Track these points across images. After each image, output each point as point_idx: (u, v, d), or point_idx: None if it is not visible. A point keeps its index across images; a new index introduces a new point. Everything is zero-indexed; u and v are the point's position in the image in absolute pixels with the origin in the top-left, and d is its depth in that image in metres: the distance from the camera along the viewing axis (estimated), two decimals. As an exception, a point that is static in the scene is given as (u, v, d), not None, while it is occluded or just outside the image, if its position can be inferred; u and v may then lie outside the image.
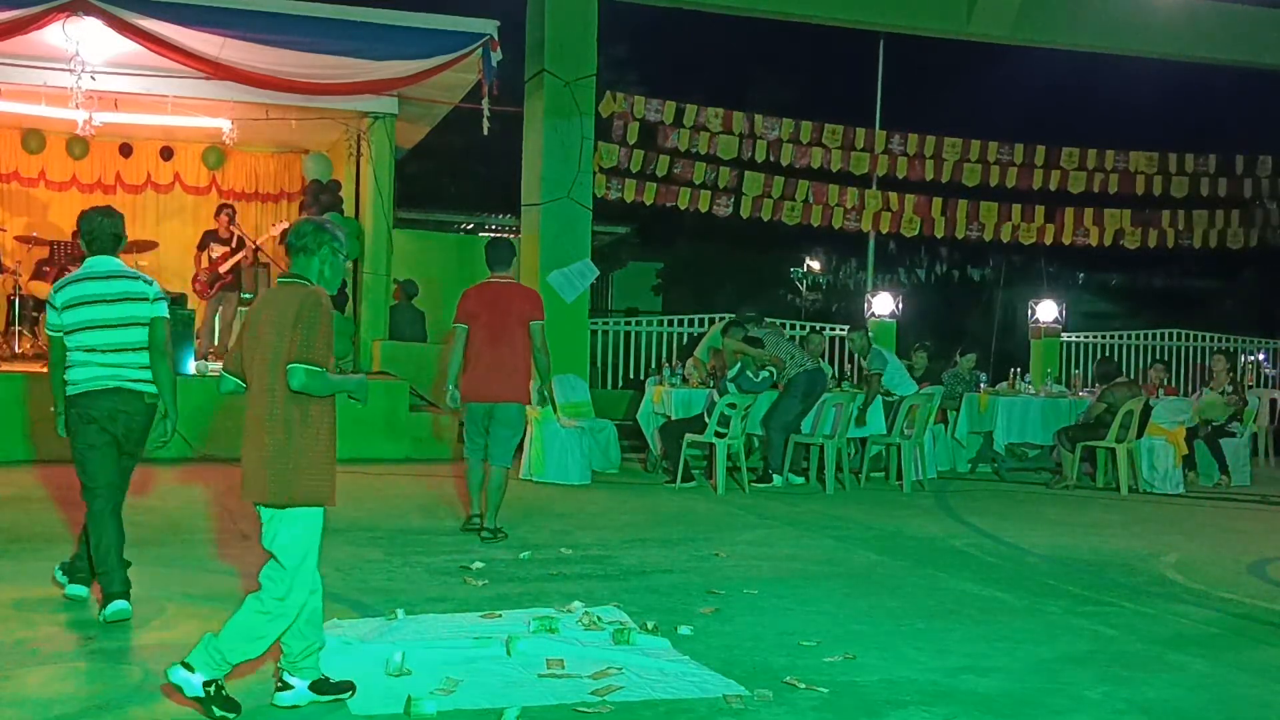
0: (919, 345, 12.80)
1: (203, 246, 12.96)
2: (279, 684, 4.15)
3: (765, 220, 15.11)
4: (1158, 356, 16.57)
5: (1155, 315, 23.36)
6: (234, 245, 12.86)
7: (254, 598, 4.03)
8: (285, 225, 13.19)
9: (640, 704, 4.23)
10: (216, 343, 13.09)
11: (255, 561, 6.47)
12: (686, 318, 15.37)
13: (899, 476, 10.72)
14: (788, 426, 10.53)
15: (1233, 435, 12.02)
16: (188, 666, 3.90)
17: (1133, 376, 13.83)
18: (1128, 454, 10.82)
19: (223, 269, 12.81)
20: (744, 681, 4.50)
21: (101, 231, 5.31)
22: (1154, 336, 17.06)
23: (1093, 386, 12.29)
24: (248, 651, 3.99)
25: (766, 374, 10.63)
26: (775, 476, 10.46)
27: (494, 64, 11.48)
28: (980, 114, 21.79)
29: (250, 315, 4.21)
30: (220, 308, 13.08)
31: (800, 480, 10.70)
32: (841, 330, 15.95)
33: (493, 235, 9.31)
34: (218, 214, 13.08)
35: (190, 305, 12.12)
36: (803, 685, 4.49)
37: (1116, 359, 15.74)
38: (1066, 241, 16.06)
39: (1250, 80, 17.20)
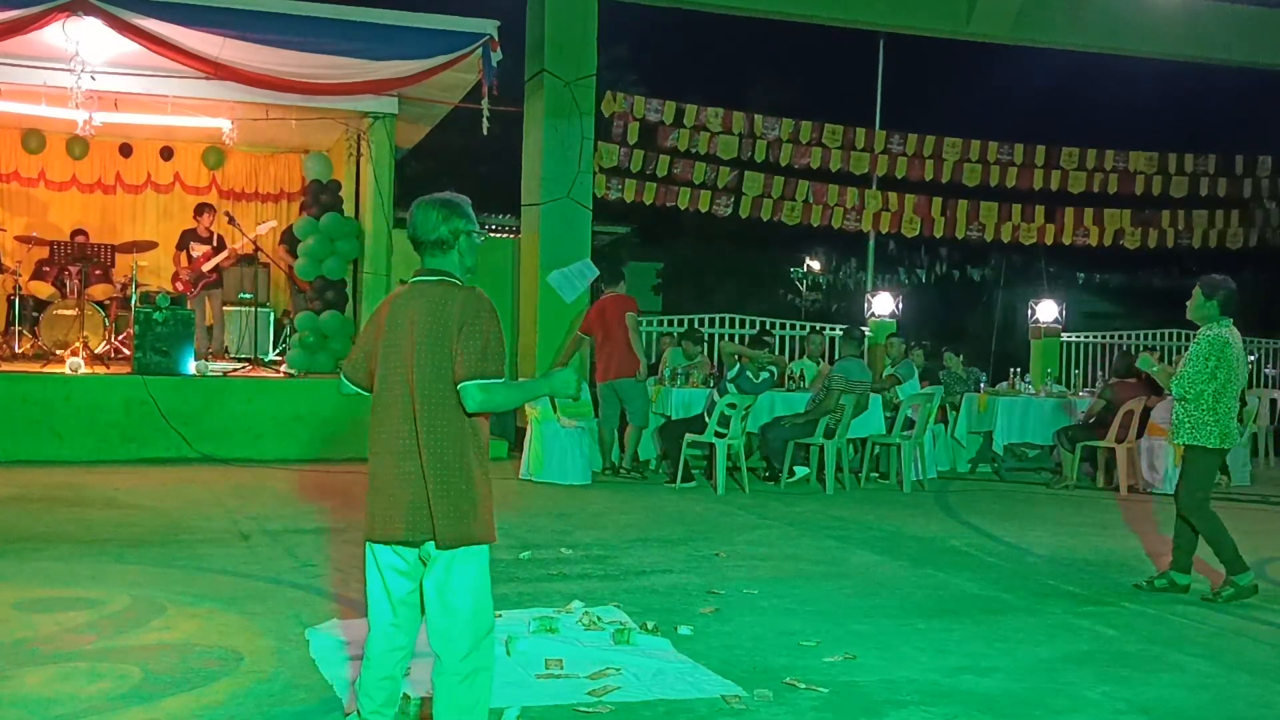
0: (915, 344, 12.79)
1: (182, 246, 12.94)
2: None
3: (765, 220, 15.10)
4: (1159, 357, 16.53)
5: (1155, 315, 23.29)
6: (215, 245, 12.88)
7: (437, 673, 3.47)
8: (273, 224, 13.21)
9: (639, 704, 4.22)
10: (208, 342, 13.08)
11: (254, 562, 6.53)
12: (686, 318, 15.34)
13: (899, 476, 10.72)
14: (787, 437, 10.51)
15: (1233, 435, 11.99)
16: None
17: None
18: (1128, 454, 10.83)
19: (205, 268, 12.82)
20: (744, 681, 4.50)
21: None
22: (1154, 337, 17.02)
23: (1100, 382, 12.26)
24: None
25: (767, 375, 10.64)
26: (797, 469, 10.53)
27: (494, 64, 11.47)
28: (980, 114, 21.77)
29: (387, 317, 3.56)
30: (206, 306, 13.08)
31: (806, 469, 10.68)
32: (843, 331, 15.88)
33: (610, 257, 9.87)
34: (198, 214, 13.08)
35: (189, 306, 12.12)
36: (803, 685, 4.49)
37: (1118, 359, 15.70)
38: (1066, 241, 16.07)
39: (1250, 80, 17.19)
